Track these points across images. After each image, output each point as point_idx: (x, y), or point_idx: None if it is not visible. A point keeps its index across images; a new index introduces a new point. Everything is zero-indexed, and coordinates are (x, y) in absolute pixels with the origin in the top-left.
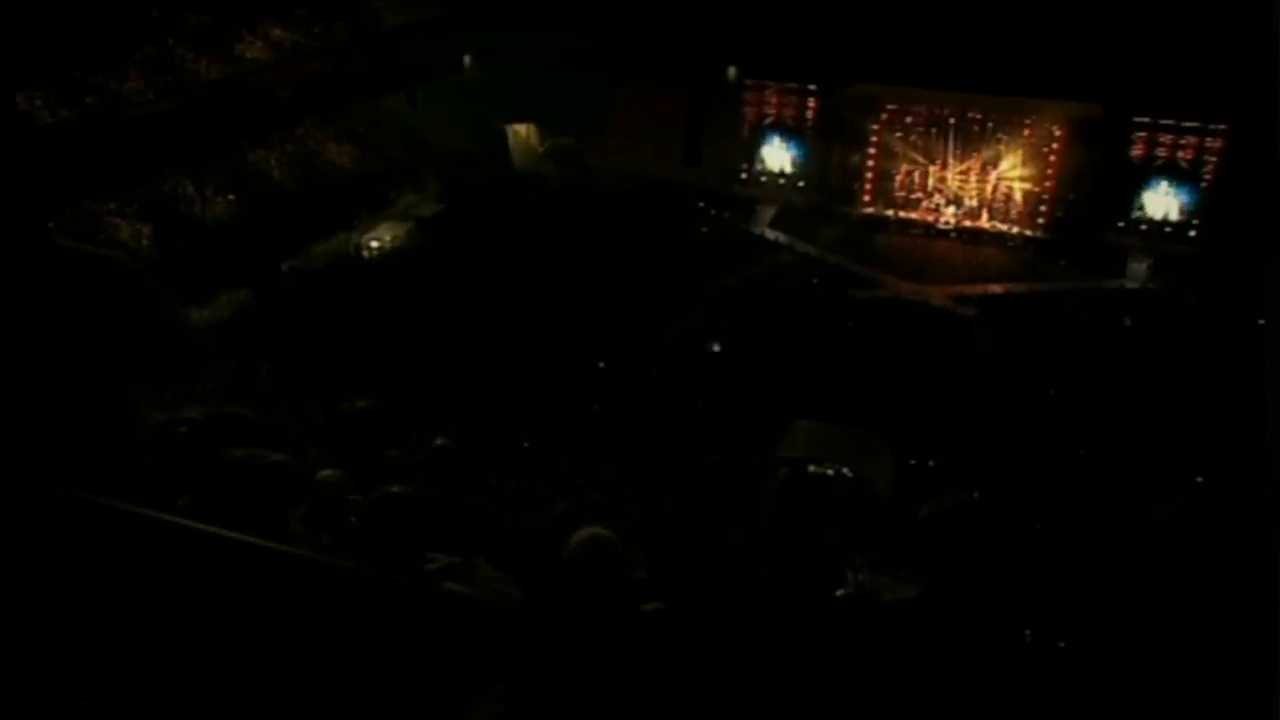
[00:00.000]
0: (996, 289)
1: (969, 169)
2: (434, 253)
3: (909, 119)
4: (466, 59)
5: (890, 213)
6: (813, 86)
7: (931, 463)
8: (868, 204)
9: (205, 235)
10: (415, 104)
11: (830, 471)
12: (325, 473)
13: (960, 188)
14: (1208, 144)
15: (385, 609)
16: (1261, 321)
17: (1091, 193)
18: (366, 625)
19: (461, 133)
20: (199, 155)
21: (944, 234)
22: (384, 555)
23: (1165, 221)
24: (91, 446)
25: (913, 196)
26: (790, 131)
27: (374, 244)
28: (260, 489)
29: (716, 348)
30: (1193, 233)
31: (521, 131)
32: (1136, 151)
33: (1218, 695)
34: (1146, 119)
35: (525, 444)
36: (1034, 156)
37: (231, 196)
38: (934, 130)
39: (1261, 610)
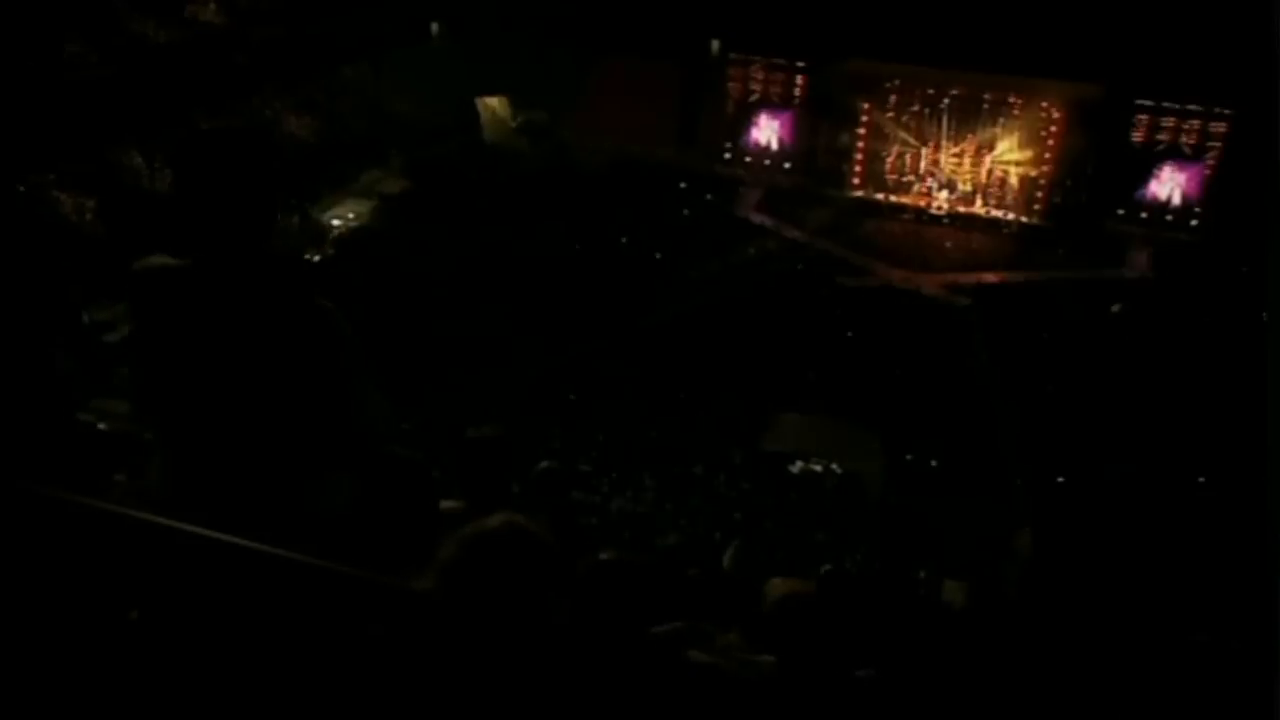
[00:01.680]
0: (991, 278)
1: (963, 151)
2: (400, 232)
3: (901, 98)
4: (434, 26)
5: (880, 196)
6: (801, 62)
7: (930, 461)
8: (857, 187)
9: (154, 210)
10: (380, 73)
11: (819, 468)
12: (448, 504)
13: (954, 171)
14: (1212, 128)
15: (635, 685)
16: (1264, 315)
17: (1090, 178)
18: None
19: (429, 105)
20: (147, 124)
21: (936, 219)
22: (609, 629)
23: (1167, 209)
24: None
25: (904, 180)
26: (777, 110)
27: (336, 222)
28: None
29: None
30: (1195, 221)
31: (492, 104)
32: (1138, 135)
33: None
34: (1149, 101)
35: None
36: (1031, 139)
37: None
38: (927, 110)
39: (1262, 610)
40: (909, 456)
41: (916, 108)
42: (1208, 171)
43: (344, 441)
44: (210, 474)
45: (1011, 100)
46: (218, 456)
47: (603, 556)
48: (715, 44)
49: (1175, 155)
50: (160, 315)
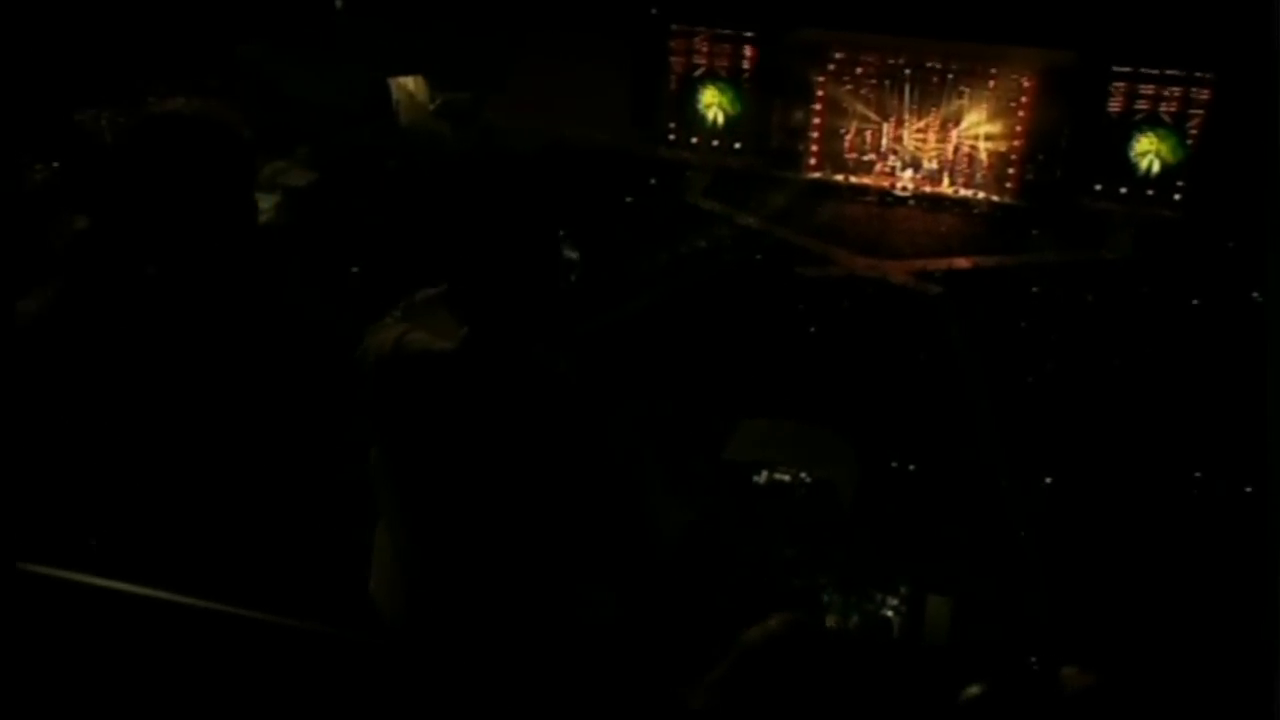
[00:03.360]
0: (963, 263)
1: (927, 127)
2: (308, 229)
3: (859, 69)
4: None
5: (840, 177)
6: (749, 32)
7: (908, 465)
8: (814, 168)
9: (25, 210)
10: (280, 53)
11: (787, 477)
12: None
13: (918, 148)
14: (1194, 95)
15: None
16: (1255, 295)
17: (1065, 152)
18: None
19: (336, 87)
20: (21, 116)
21: (901, 201)
22: None
23: (1147, 183)
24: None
25: (865, 159)
26: (724, 85)
27: None
28: None
29: None
30: (1178, 195)
31: (408, 85)
32: (1115, 105)
33: None
34: (1126, 68)
35: None
36: (1000, 112)
37: (56, 164)
38: (888, 82)
39: (1262, 610)
40: (884, 461)
41: (875, 80)
42: (1190, 142)
43: (615, 553)
44: (455, 584)
45: (978, 70)
46: (466, 565)
47: (974, 690)
48: (654, 12)
49: (1155, 125)
50: (416, 409)
